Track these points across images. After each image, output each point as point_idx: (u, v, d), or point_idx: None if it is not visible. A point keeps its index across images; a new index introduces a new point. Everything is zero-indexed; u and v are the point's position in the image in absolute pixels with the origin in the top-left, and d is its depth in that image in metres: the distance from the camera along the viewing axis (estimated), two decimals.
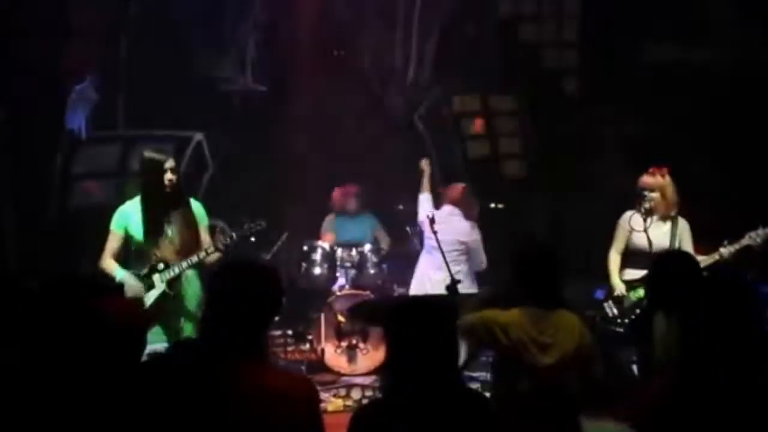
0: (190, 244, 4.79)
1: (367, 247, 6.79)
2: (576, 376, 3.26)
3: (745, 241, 4.99)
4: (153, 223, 4.73)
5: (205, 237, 4.90)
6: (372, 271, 6.74)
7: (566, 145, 7.89)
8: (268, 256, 6.55)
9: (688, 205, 5.30)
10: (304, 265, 6.71)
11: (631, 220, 5.06)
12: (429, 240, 6.03)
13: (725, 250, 5.01)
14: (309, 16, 7.85)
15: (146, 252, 4.76)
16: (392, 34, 8.25)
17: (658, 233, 5.12)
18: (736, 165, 6.88)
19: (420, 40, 8.22)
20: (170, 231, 4.76)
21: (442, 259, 4.99)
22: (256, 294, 2.43)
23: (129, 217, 4.78)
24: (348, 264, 6.70)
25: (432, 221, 5.29)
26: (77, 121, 7.42)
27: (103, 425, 2.25)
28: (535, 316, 3.29)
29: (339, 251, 6.73)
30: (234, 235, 4.86)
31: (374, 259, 6.76)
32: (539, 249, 3.51)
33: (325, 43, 7.96)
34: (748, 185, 6.74)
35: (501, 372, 3.25)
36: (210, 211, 5.11)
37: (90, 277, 3.39)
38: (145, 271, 4.73)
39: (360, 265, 6.72)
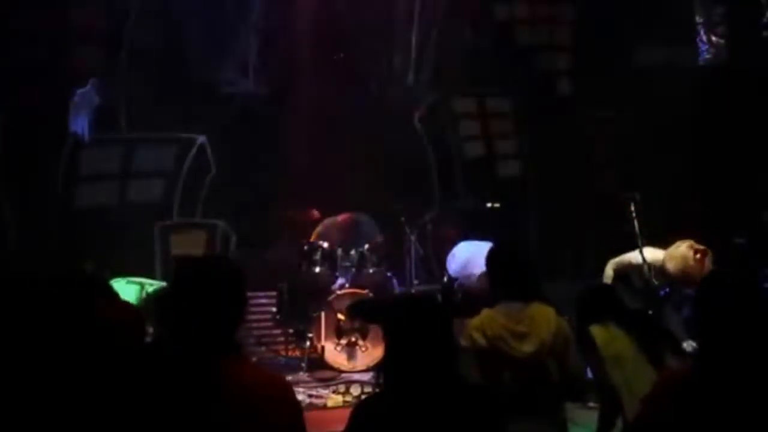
0: None
1: (366, 246, 6.89)
2: (556, 367, 3.31)
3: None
4: None
5: None
6: (371, 271, 6.85)
7: (560, 145, 7.99)
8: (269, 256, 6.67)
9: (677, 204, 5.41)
10: (304, 264, 6.83)
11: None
12: None
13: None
14: (309, 20, 7.92)
15: None
16: (391, 38, 8.35)
17: None
18: (725, 166, 6.97)
19: (419, 43, 8.32)
20: None
21: None
22: (219, 287, 2.39)
23: None
24: (348, 263, 6.81)
25: None
26: (80, 124, 7.47)
27: (99, 421, 2.28)
28: (509, 310, 3.36)
29: (339, 251, 6.83)
30: None
31: (374, 258, 6.87)
32: (507, 248, 3.60)
33: (326, 47, 8.00)
34: (737, 186, 6.83)
35: (484, 371, 3.30)
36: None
37: (90, 278, 3.47)
38: None
39: (360, 264, 6.83)
